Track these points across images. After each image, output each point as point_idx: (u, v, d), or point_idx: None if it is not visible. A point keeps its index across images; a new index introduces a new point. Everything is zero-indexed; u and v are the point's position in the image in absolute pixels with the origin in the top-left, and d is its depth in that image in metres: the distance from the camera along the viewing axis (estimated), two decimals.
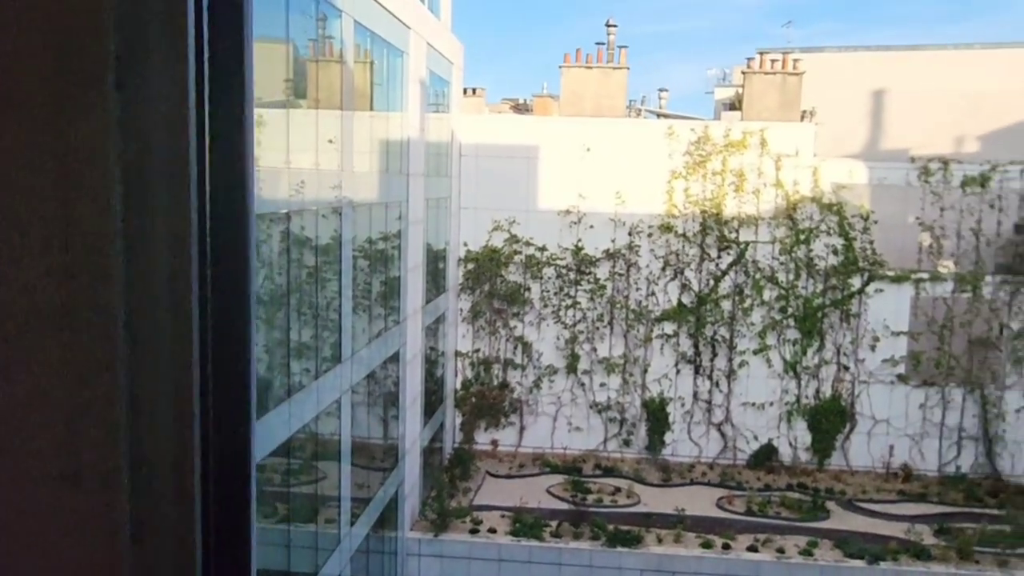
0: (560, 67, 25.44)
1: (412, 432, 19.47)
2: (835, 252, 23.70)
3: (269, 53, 11.88)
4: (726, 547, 19.07)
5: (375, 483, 17.02)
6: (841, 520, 20.91)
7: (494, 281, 24.41)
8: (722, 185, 23.70)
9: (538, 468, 23.62)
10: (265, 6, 11.44)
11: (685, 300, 24.12)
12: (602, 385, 24.52)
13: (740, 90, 26.78)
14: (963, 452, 23.88)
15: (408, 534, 19.36)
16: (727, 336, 24.11)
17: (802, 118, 24.62)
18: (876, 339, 23.76)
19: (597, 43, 25.83)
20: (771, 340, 23.98)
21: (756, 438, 24.26)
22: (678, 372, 24.35)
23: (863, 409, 24.02)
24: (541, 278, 24.37)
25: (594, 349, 24.45)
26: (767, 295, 23.89)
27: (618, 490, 22.30)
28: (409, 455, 19.22)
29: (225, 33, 1.06)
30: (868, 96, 26.46)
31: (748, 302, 23.94)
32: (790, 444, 24.23)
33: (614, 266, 24.21)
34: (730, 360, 24.18)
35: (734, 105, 28.21)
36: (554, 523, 19.84)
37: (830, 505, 21.65)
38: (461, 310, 24.67)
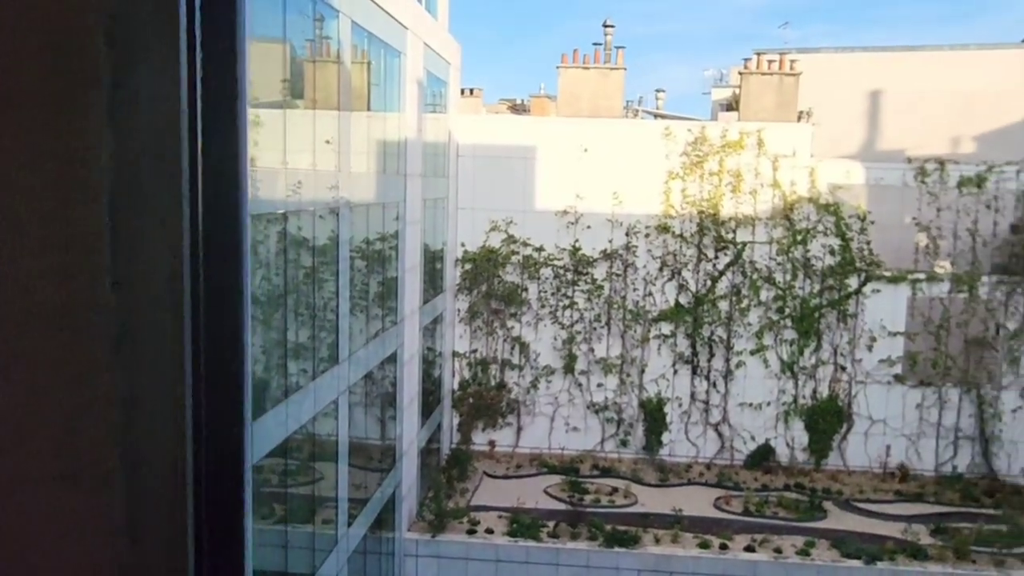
0: (557, 68, 25.46)
1: (409, 433, 19.46)
2: (832, 252, 23.73)
3: (266, 53, 11.87)
4: (723, 547, 19.08)
5: (372, 484, 17.00)
6: (838, 520, 20.94)
7: (491, 281, 24.41)
8: (719, 186, 23.72)
9: (535, 468, 23.62)
10: (262, 6, 11.43)
11: (682, 300, 24.13)
12: (599, 385, 24.53)
13: (737, 91, 26.81)
14: (959, 452, 23.93)
15: (405, 535, 19.34)
16: (724, 336, 24.13)
17: (799, 119, 24.66)
18: (873, 339, 23.79)
19: (594, 44, 25.89)
20: (768, 340, 24.01)
21: (753, 438, 24.29)
22: (675, 372, 24.36)
23: (860, 409, 24.05)
24: (538, 278, 24.37)
25: (591, 349, 24.46)
26: (764, 295, 23.92)
27: (615, 490, 22.30)
28: (406, 456, 19.21)
29: (219, 33, 1.06)
30: (864, 97, 26.50)
31: (745, 302, 23.96)
32: (787, 444, 24.25)
33: (611, 266, 24.22)
34: (727, 360, 24.20)
35: (731, 106, 28.25)
36: (551, 523, 19.83)
37: (827, 505, 21.67)
38: (458, 310, 24.67)
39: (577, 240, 24.19)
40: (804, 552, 18.95)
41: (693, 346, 24.23)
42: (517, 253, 24.34)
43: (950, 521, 20.72)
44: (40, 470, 1.05)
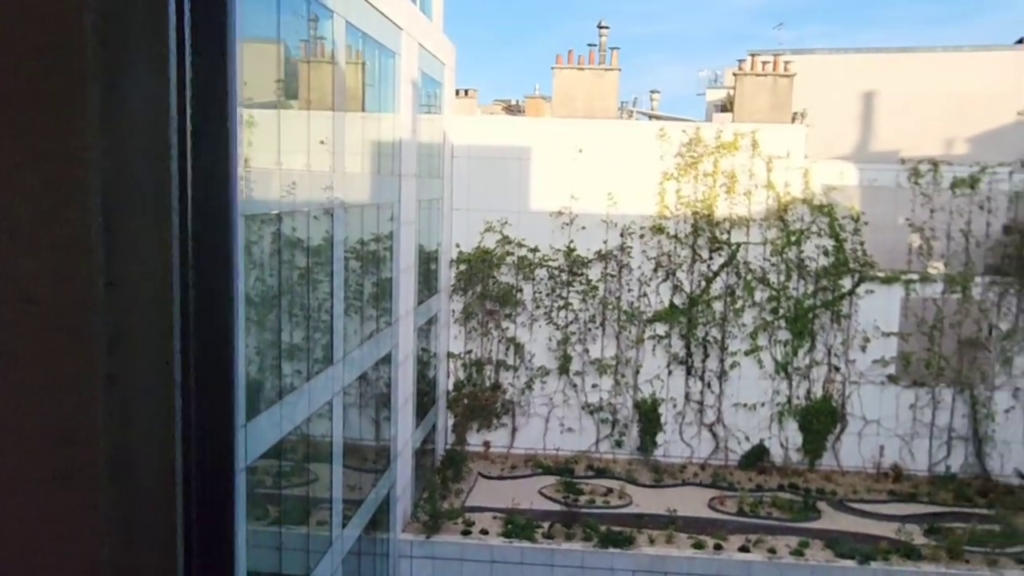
0: (552, 68, 25.48)
1: (404, 434, 19.44)
2: (826, 253, 23.80)
3: (260, 54, 11.85)
4: (718, 548, 19.12)
5: (367, 485, 16.99)
6: (832, 520, 20.99)
7: (486, 282, 24.41)
8: (713, 186, 23.77)
9: (530, 469, 23.63)
10: (256, 6, 11.41)
11: (677, 301, 24.17)
12: (594, 386, 24.55)
13: (731, 92, 26.87)
14: (953, 452, 24.01)
15: (400, 536, 19.33)
16: (719, 337, 24.17)
17: (793, 120, 24.72)
18: (867, 340, 23.87)
19: (589, 44, 25.90)
20: (762, 341, 24.06)
21: (747, 439, 24.34)
22: (670, 373, 24.40)
23: (854, 410, 24.13)
24: (533, 279, 24.39)
25: (586, 350, 24.48)
26: (758, 296, 23.97)
27: (610, 491, 22.32)
28: (401, 457, 19.20)
29: (209, 33, 1.06)
30: (858, 98, 26.59)
31: (739, 303, 24.01)
32: (781, 445, 24.31)
33: (606, 267, 24.24)
34: (722, 361, 24.24)
35: (725, 107, 28.31)
36: (546, 524, 19.84)
37: (821, 505, 21.73)
38: (453, 311, 24.66)
39: (572, 241, 24.21)
40: (798, 552, 19.00)
41: (687, 347, 24.27)
42: (512, 254, 24.35)
43: (943, 521, 20.79)
44: (34, 470, 1.05)
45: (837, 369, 24.05)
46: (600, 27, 25.91)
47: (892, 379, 23.95)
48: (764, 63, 24.87)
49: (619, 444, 24.59)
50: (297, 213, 12.84)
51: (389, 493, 18.45)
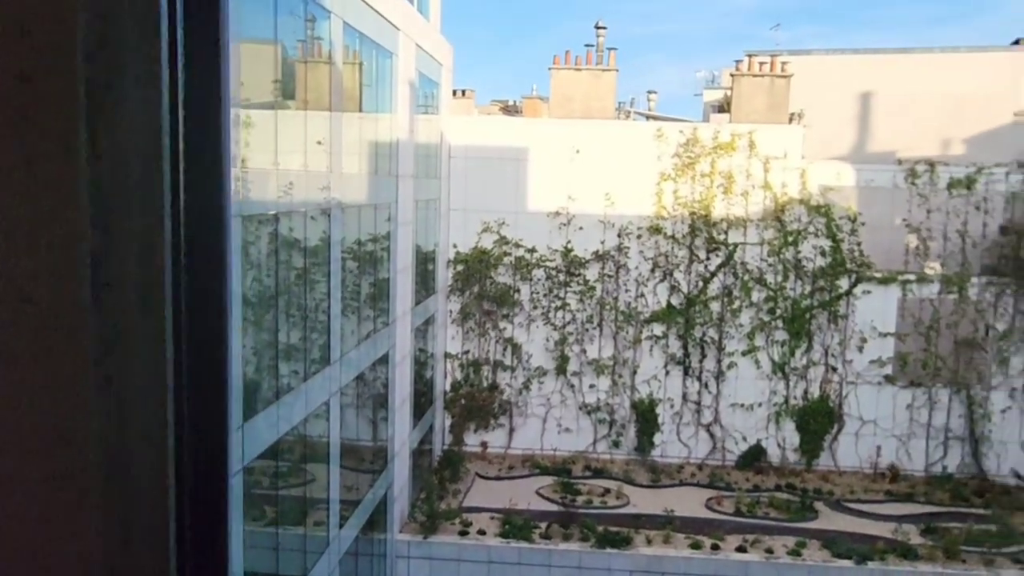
0: (549, 69, 25.49)
1: (401, 434, 19.44)
2: (823, 254, 23.83)
3: (258, 54, 11.84)
4: (715, 548, 19.13)
5: (364, 485, 16.98)
6: (829, 520, 21.02)
7: (483, 283, 24.41)
8: (711, 187, 23.79)
9: (528, 470, 23.63)
10: (254, 7, 11.41)
11: (674, 302, 24.19)
12: (591, 386, 24.56)
13: (728, 92, 26.90)
14: (949, 452, 24.05)
15: (397, 536, 19.32)
16: (716, 337, 24.19)
17: (790, 120, 24.76)
18: (863, 340, 23.90)
19: (586, 45, 25.92)
20: (759, 341, 24.09)
21: (745, 439, 24.36)
22: (667, 373, 24.41)
23: (851, 410, 24.16)
24: (530, 280, 24.39)
25: (583, 350, 24.49)
26: (755, 297, 24.00)
27: (607, 491, 22.33)
28: (398, 457, 19.19)
29: (203, 34, 1.06)
30: (855, 98, 26.63)
31: (737, 303, 24.03)
32: (778, 445, 24.33)
33: (603, 268, 24.25)
34: (719, 361, 24.26)
35: (723, 107, 28.33)
36: (544, 525, 19.84)
37: (818, 505, 21.75)
38: (451, 312, 24.66)
39: (569, 241, 24.22)
40: (795, 552, 19.02)
41: (685, 347, 24.29)
42: (509, 254, 24.36)
43: (940, 521, 20.82)
44: (29, 471, 1.05)
45: (834, 369, 24.08)
46: (597, 28, 25.93)
47: (889, 379, 23.98)
48: (761, 64, 24.90)
49: (616, 444, 24.60)
50: (294, 213, 12.83)
51: (386, 494, 18.44)
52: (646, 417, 24.41)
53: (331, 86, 14.25)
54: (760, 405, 24.29)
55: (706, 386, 24.37)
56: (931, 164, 23.72)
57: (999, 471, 23.82)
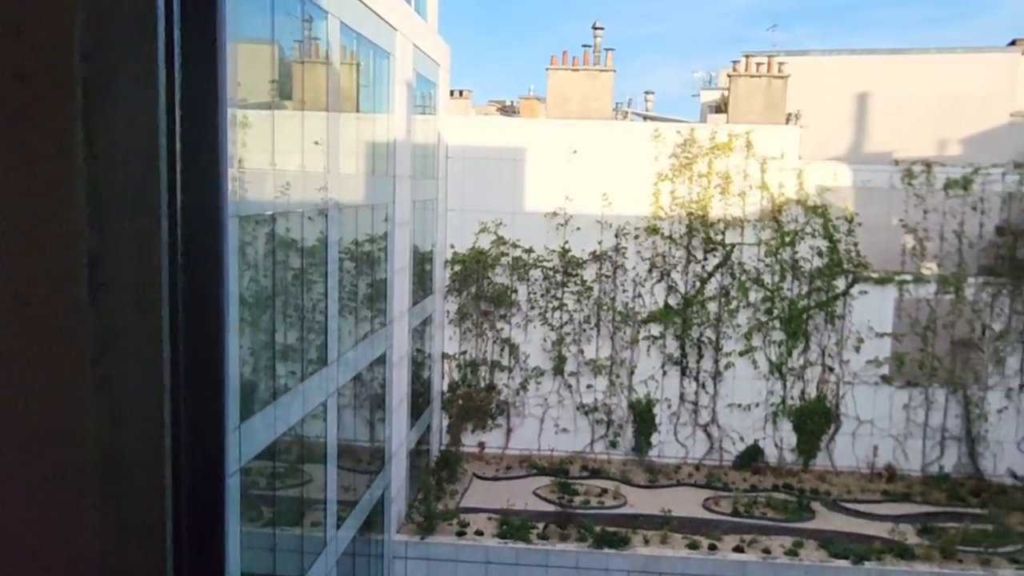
0: (547, 69, 25.50)
1: (399, 434, 19.43)
2: (820, 254, 23.86)
3: (255, 54, 11.84)
4: (712, 548, 19.15)
5: (361, 486, 16.97)
6: (826, 520, 21.05)
7: (481, 283, 24.41)
8: (708, 187, 23.81)
9: (525, 470, 23.63)
10: (251, 7, 11.40)
11: (671, 302, 24.20)
12: (589, 387, 24.56)
13: (726, 93, 26.93)
14: (946, 452, 24.10)
15: (394, 537, 19.31)
16: (713, 338, 24.22)
17: (787, 121, 24.79)
18: (860, 340, 23.93)
19: (584, 45, 25.93)
20: (757, 341, 24.11)
21: (742, 439, 24.38)
22: (664, 373, 24.43)
23: (848, 410, 24.19)
24: (528, 280, 24.39)
25: (581, 351, 24.49)
26: (753, 297, 24.02)
27: (605, 491, 22.33)
28: (396, 458, 19.18)
29: (199, 35, 1.06)
30: (852, 99, 26.67)
31: (734, 304, 24.06)
32: (776, 445, 24.36)
33: (601, 268, 24.26)
34: (716, 361, 24.28)
35: (720, 108, 28.36)
36: (541, 525, 19.84)
37: (815, 505, 21.78)
38: (448, 312, 24.65)
39: (567, 242, 24.23)
40: (792, 552, 19.04)
41: (682, 347, 24.31)
42: (507, 255, 24.36)
43: (937, 521, 20.86)
44: (27, 471, 1.05)
45: (831, 369, 24.12)
46: (595, 28, 25.94)
47: (886, 379, 24.02)
48: (758, 64, 24.92)
49: (614, 445, 24.61)
50: (291, 214, 12.82)
51: (383, 494, 18.43)
52: (643, 417, 24.43)
53: (328, 86, 14.24)
54: (757, 405, 24.31)
55: (703, 386, 24.39)
56: (928, 165, 23.76)
57: (995, 471, 23.86)
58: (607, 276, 24.26)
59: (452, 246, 24.43)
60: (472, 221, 24.31)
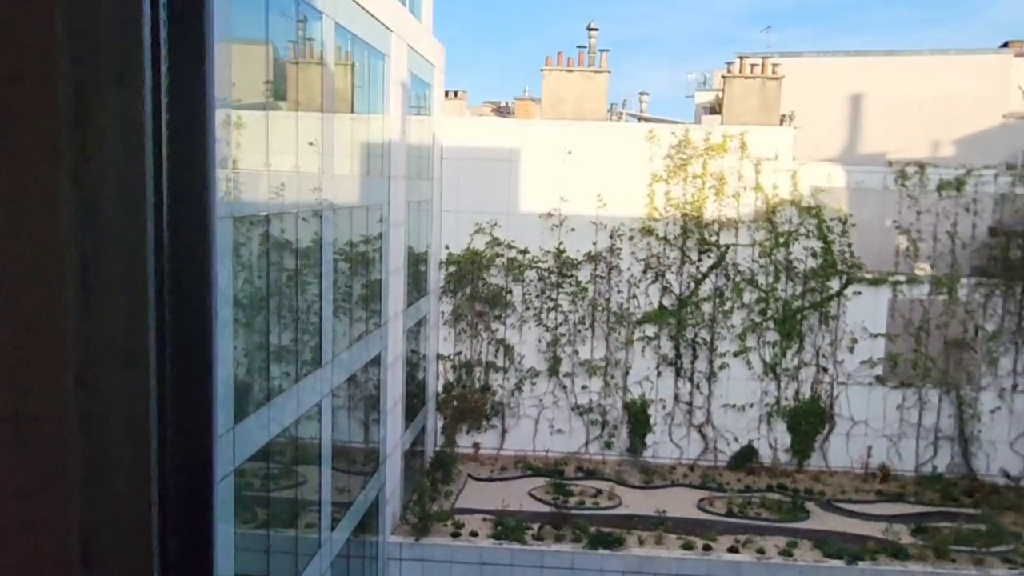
0: (542, 70, 25.51)
1: (393, 436, 19.40)
2: (814, 255, 23.92)
3: (249, 55, 11.81)
4: (707, 548, 19.17)
5: (356, 487, 16.94)
6: (820, 520, 21.09)
7: (476, 284, 24.40)
8: (702, 188, 23.85)
9: (520, 471, 23.62)
10: (245, 7, 11.38)
11: (666, 303, 24.23)
12: (584, 387, 24.57)
13: (720, 94, 26.97)
14: (939, 452, 24.17)
15: (389, 538, 19.28)
16: (708, 338, 24.25)
17: (781, 122, 24.84)
18: (854, 341, 24.00)
19: (579, 47, 25.94)
20: (751, 342, 24.15)
21: (736, 439, 24.42)
22: (659, 374, 24.45)
23: (842, 410, 24.25)
24: (523, 281, 24.39)
25: (576, 352, 24.50)
26: (747, 298, 24.07)
27: (600, 492, 22.34)
28: (390, 459, 19.15)
29: (186, 35, 1.06)
30: (846, 100, 26.75)
31: (728, 304, 24.10)
32: (770, 445, 24.40)
33: (595, 269, 24.28)
34: (711, 362, 24.32)
35: (714, 109, 28.41)
36: (536, 526, 19.84)
37: (809, 506, 21.82)
38: (443, 313, 24.63)
39: (561, 242, 24.23)
40: (787, 552, 19.08)
41: (677, 348, 24.34)
42: (501, 255, 24.35)
43: (930, 521, 20.92)
44: (16, 475, 1.04)
45: (825, 370, 24.17)
46: (590, 29, 25.96)
47: (879, 380, 24.09)
48: (752, 66, 24.98)
49: (608, 445, 24.62)
50: (285, 215, 12.79)
51: (378, 495, 18.40)
52: (638, 418, 24.45)
53: (323, 87, 14.22)
54: (751, 406, 24.35)
55: (698, 387, 24.42)
56: (921, 166, 23.84)
57: (988, 471, 23.95)
58: (602, 277, 24.27)
59: (447, 247, 24.42)
60: (467, 222, 24.30)
